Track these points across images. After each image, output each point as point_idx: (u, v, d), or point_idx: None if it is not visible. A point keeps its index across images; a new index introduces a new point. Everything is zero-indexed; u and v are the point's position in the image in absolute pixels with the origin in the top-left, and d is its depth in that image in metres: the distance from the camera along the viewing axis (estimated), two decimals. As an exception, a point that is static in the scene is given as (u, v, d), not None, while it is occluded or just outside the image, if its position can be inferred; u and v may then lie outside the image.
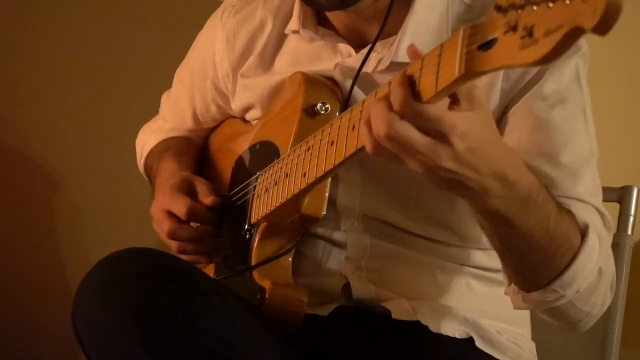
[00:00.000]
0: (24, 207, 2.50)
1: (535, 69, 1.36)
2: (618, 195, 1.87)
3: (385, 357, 1.38)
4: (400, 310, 1.42)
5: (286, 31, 1.53)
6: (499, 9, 0.96)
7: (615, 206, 1.88)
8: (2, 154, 2.47)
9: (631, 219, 1.86)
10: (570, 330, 1.37)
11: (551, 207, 1.23)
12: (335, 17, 1.47)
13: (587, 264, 1.27)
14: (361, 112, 1.20)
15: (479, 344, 1.44)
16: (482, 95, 1.11)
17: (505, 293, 1.34)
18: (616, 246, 1.84)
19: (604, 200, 1.90)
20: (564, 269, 1.26)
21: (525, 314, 1.57)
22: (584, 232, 1.27)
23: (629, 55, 2.49)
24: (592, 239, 1.27)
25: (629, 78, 2.52)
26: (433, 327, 1.41)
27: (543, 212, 1.21)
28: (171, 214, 1.51)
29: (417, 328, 1.41)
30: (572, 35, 0.88)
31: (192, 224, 1.51)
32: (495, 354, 1.45)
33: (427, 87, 1.06)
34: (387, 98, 1.09)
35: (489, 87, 1.37)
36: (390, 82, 1.12)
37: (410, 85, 1.08)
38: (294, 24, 1.50)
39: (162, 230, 1.52)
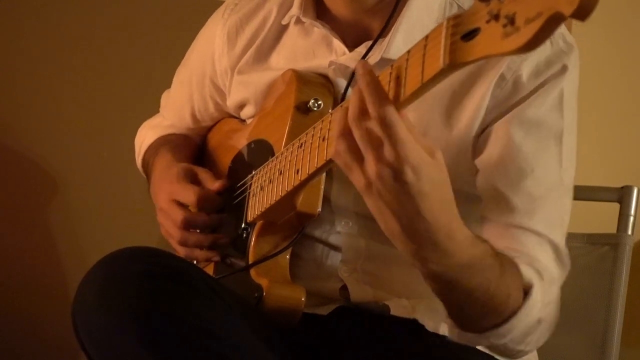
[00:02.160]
0: (23, 207, 2.49)
1: (522, 93, 1.36)
2: (618, 195, 1.88)
3: (384, 357, 1.38)
4: (399, 306, 1.42)
5: (285, 20, 1.53)
6: None
7: (615, 206, 1.88)
8: (1, 153, 2.47)
9: (631, 219, 1.86)
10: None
11: (492, 273, 1.22)
12: (337, 6, 1.47)
13: (525, 320, 1.27)
14: None
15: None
16: (442, 158, 1.12)
17: (443, 321, 1.34)
18: (616, 246, 1.84)
19: (603, 200, 1.91)
20: (501, 322, 1.26)
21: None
22: (527, 291, 1.27)
23: (629, 55, 2.50)
24: (533, 298, 1.27)
25: (628, 78, 2.53)
26: (430, 327, 1.41)
27: (484, 278, 1.21)
28: (180, 204, 1.51)
29: (417, 328, 1.41)
30: (553, 22, 0.89)
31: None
32: (496, 354, 1.45)
33: (413, 79, 1.07)
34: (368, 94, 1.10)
35: (480, 102, 1.37)
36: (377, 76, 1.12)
37: (397, 78, 1.09)
38: (295, 9, 1.51)
39: (172, 220, 1.52)
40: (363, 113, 1.10)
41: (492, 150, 1.37)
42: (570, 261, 1.37)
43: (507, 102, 1.37)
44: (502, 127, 1.37)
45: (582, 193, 2.03)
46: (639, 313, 2.12)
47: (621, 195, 1.87)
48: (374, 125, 1.09)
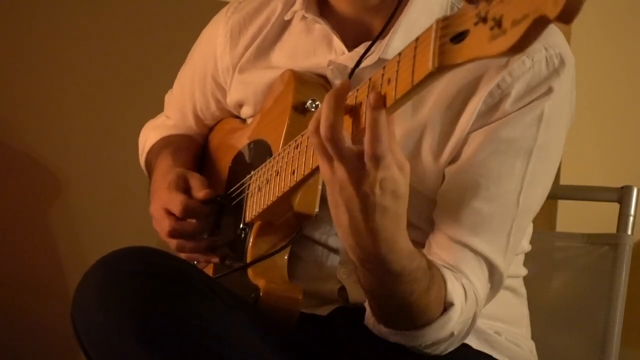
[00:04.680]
0: (23, 207, 2.49)
1: (505, 113, 1.35)
2: (618, 195, 1.88)
3: (384, 357, 1.38)
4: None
5: (288, 15, 1.53)
6: (470, 0, 0.96)
7: (615, 206, 1.88)
8: (2, 153, 2.47)
9: (631, 219, 1.86)
10: None
11: (418, 285, 1.25)
12: (340, 3, 1.48)
13: (436, 332, 1.30)
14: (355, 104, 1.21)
15: (476, 344, 1.44)
16: (408, 171, 1.16)
17: (365, 304, 1.36)
18: (616, 246, 1.85)
19: (604, 200, 1.91)
20: (412, 328, 1.30)
21: (523, 313, 1.57)
22: (447, 307, 1.29)
23: (629, 55, 2.50)
24: (448, 316, 1.30)
25: (628, 78, 2.53)
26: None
27: (407, 288, 1.24)
28: (169, 212, 1.51)
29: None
30: (538, 25, 0.89)
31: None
32: (493, 354, 1.46)
33: (403, 81, 1.07)
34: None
35: (470, 117, 1.36)
36: (370, 79, 1.15)
37: (388, 80, 1.10)
38: (297, 4, 1.51)
39: (162, 228, 1.53)
40: (339, 126, 1.13)
41: (459, 159, 1.37)
42: (502, 283, 1.38)
43: (488, 117, 1.36)
44: (475, 139, 1.36)
45: (582, 193, 2.04)
46: (639, 313, 2.12)
47: (621, 195, 1.87)
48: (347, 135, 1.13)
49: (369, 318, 1.34)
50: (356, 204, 1.15)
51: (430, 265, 1.27)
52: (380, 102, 1.10)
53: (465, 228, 1.35)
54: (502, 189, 1.35)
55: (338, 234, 1.22)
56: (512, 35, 0.90)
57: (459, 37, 0.98)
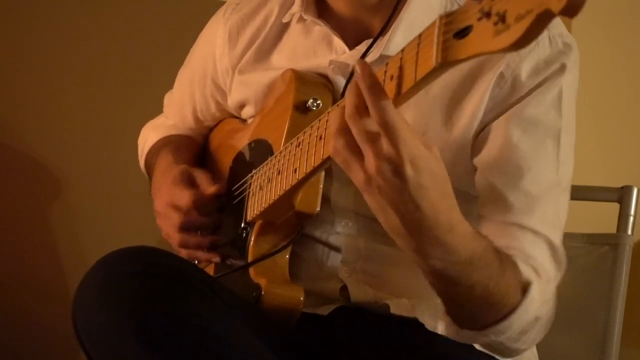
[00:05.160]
0: (24, 207, 2.50)
1: (521, 92, 1.36)
2: (618, 195, 1.88)
3: (385, 357, 1.38)
4: (399, 306, 1.42)
5: (286, 18, 1.53)
6: None
7: (615, 206, 1.88)
8: (2, 153, 2.47)
9: (631, 219, 1.86)
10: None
11: (493, 269, 1.22)
12: (338, 4, 1.48)
13: (523, 317, 1.27)
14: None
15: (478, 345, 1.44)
16: (438, 154, 1.12)
17: (440, 319, 1.34)
18: (616, 246, 1.85)
19: (603, 200, 1.91)
20: (499, 319, 1.26)
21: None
22: (525, 288, 1.27)
23: (629, 55, 2.50)
24: (531, 295, 1.27)
25: (629, 78, 2.53)
26: (430, 326, 1.41)
27: (485, 274, 1.21)
28: (177, 207, 1.51)
29: (417, 328, 1.41)
30: (542, 19, 0.89)
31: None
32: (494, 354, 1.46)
33: (407, 77, 1.07)
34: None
35: (479, 102, 1.37)
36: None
37: (392, 77, 1.09)
38: (296, 7, 1.51)
39: (170, 224, 1.53)
40: (360, 110, 1.10)
41: (490, 148, 1.37)
42: (566, 260, 1.37)
43: (506, 102, 1.37)
44: (500, 125, 1.37)
45: (582, 193, 2.03)
46: (639, 313, 2.12)
47: (621, 195, 1.88)
48: (371, 122, 1.09)
49: (451, 327, 1.30)
50: (397, 195, 1.11)
51: (496, 247, 1.24)
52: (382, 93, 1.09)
53: (518, 211, 1.34)
54: (542, 169, 1.36)
55: (398, 244, 1.18)
56: (516, 30, 0.90)
57: (463, 33, 0.98)
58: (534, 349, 1.56)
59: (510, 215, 1.34)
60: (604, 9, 2.43)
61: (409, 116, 1.30)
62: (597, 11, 2.41)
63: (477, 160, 1.39)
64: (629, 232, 1.85)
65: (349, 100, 1.11)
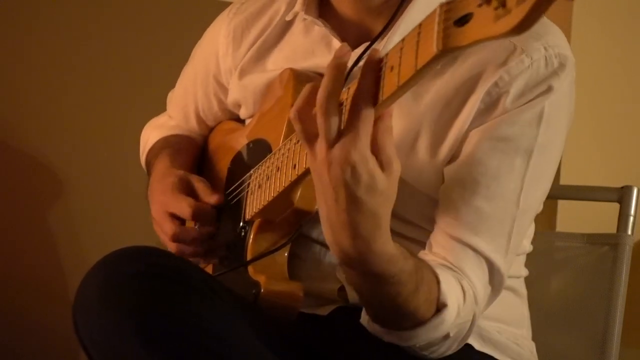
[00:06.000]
0: (24, 207, 2.50)
1: (502, 111, 1.34)
2: (618, 195, 1.88)
3: (384, 358, 1.38)
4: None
5: (289, 16, 1.53)
6: None
7: (615, 206, 1.88)
8: (2, 153, 2.47)
9: (631, 219, 1.86)
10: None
11: (404, 288, 1.23)
12: (341, 5, 1.48)
13: (429, 333, 1.28)
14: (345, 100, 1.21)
15: (479, 344, 1.44)
16: (397, 173, 1.14)
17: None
18: (616, 246, 1.85)
19: (603, 200, 1.92)
20: (403, 329, 1.28)
21: (524, 314, 1.57)
22: (440, 308, 1.28)
23: (629, 55, 2.50)
24: (441, 317, 1.28)
25: (629, 78, 2.53)
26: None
27: (392, 290, 1.22)
28: (173, 216, 1.51)
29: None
30: (543, 2, 0.89)
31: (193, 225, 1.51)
32: (495, 354, 1.46)
33: (407, 66, 1.07)
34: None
35: (465, 120, 1.36)
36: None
37: (391, 67, 1.10)
38: (298, 5, 1.51)
39: (164, 232, 1.52)
40: (335, 97, 1.12)
41: (458, 160, 1.36)
42: (502, 285, 1.37)
43: (486, 117, 1.35)
44: (473, 138, 1.35)
45: (582, 193, 2.04)
46: (639, 313, 2.12)
47: (621, 195, 1.87)
48: (346, 114, 1.11)
49: (364, 317, 1.33)
50: (330, 192, 1.13)
51: (419, 267, 1.25)
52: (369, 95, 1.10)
53: (466, 227, 1.34)
54: (501, 188, 1.34)
55: (323, 228, 1.20)
56: (517, 14, 0.90)
57: (463, 20, 0.98)
58: (534, 350, 1.56)
59: (457, 230, 1.34)
60: (604, 8, 2.43)
61: (398, 125, 1.30)
62: (596, 11, 2.41)
63: (446, 169, 1.38)
64: (629, 232, 1.85)
65: (324, 82, 1.12)
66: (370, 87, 1.11)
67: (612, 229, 1.87)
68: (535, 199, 1.39)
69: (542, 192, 1.40)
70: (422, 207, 1.40)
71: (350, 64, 1.39)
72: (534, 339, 1.57)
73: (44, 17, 2.46)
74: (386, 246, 1.18)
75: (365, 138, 1.10)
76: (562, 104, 1.37)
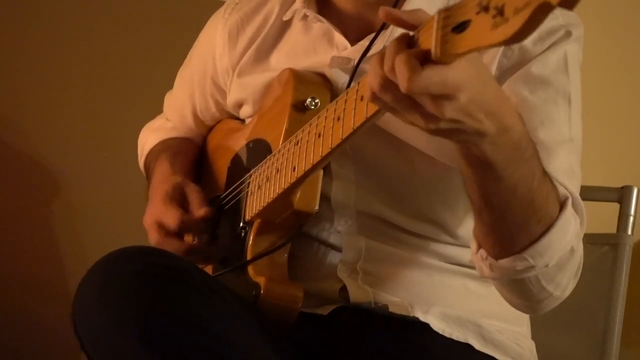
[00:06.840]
0: (24, 207, 2.50)
1: (529, 57, 1.36)
2: (618, 195, 1.88)
3: (384, 357, 1.38)
4: (398, 306, 1.42)
5: (287, 15, 1.53)
6: None
7: (615, 206, 1.88)
8: (2, 153, 2.47)
9: (631, 219, 1.86)
10: (528, 312, 1.35)
11: (536, 165, 1.19)
12: (341, 0, 1.48)
13: (562, 236, 1.24)
14: (345, 101, 1.21)
15: (480, 344, 1.44)
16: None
17: (471, 260, 1.31)
18: (616, 246, 1.85)
19: (603, 200, 1.91)
20: (539, 236, 1.23)
21: (523, 313, 1.57)
22: (562, 203, 1.24)
23: (629, 55, 2.50)
24: (569, 211, 1.25)
25: (629, 78, 2.53)
26: (429, 323, 1.41)
27: (529, 168, 1.18)
28: (161, 226, 1.51)
29: (418, 328, 1.41)
30: (541, 11, 0.89)
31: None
32: (496, 354, 1.45)
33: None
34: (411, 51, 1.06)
35: (491, 61, 1.37)
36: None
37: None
38: (297, 3, 1.51)
39: (153, 241, 1.53)
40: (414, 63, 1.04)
41: None
42: (585, 215, 1.32)
43: (514, 69, 1.37)
44: (508, 87, 1.36)
45: (582, 193, 2.03)
46: (639, 313, 2.12)
47: (621, 195, 1.88)
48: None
49: (483, 262, 1.26)
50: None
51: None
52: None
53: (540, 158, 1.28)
54: (554, 123, 1.35)
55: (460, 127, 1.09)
56: (514, 23, 0.91)
57: (461, 27, 0.98)
58: (534, 349, 1.56)
59: None
60: (604, 8, 2.43)
61: None
62: (597, 11, 2.41)
63: None
64: (629, 232, 1.85)
65: (388, 52, 1.06)
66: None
67: (612, 229, 1.87)
68: (580, 137, 1.38)
69: (581, 133, 1.39)
70: (432, 199, 1.41)
71: (356, 58, 1.39)
72: (533, 338, 1.57)
73: (44, 17, 2.46)
74: (510, 102, 1.16)
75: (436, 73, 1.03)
76: (579, 55, 1.40)
